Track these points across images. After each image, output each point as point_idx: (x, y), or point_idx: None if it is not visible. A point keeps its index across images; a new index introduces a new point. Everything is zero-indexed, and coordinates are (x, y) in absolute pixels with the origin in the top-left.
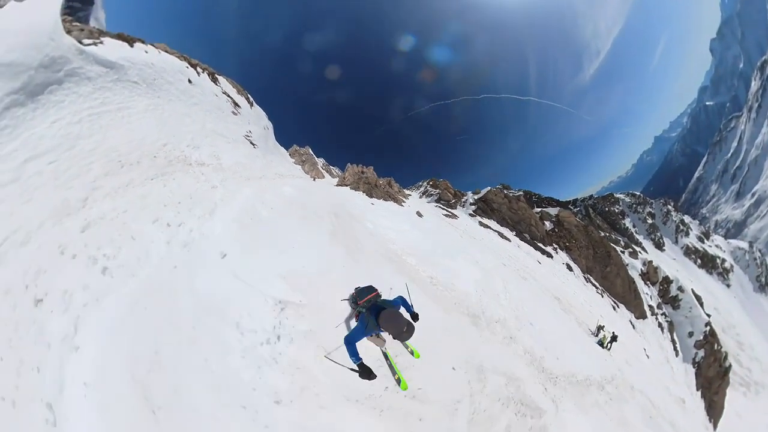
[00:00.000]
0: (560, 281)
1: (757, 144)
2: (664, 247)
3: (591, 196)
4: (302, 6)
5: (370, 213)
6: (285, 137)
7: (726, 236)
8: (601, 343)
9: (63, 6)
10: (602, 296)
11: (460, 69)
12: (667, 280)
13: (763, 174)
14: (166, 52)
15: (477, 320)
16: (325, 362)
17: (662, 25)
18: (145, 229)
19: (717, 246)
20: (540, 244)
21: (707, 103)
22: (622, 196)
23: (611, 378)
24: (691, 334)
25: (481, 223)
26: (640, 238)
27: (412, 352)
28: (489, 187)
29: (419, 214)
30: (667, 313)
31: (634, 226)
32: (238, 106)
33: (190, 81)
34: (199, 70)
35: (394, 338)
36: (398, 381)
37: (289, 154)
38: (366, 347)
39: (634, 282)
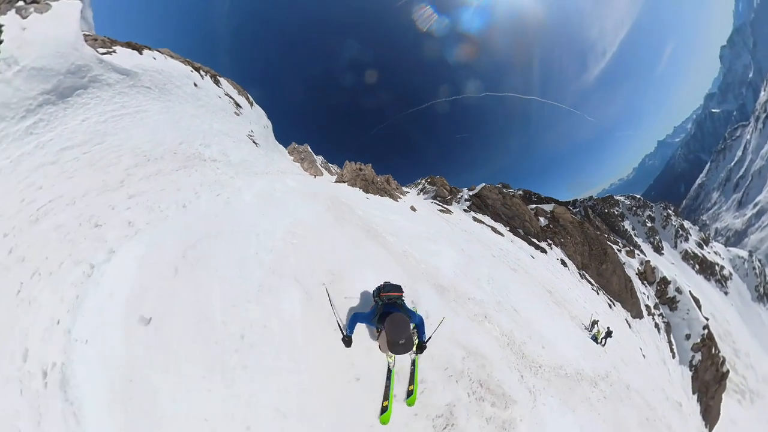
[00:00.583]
0: (554, 276)
1: (762, 154)
2: (662, 251)
3: (590, 198)
4: (302, 6)
5: (363, 204)
6: (283, 135)
7: (726, 244)
8: (595, 339)
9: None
10: (598, 293)
11: (461, 67)
12: (665, 281)
13: (766, 185)
14: (171, 57)
15: (445, 292)
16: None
17: (671, 29)
18: (189, 195)
19: (716, 253)
20: (534, 240)
21: (713, 110)
22: (621, 199)
23: (605, 375)
24: (688, 337)
25: (474, 218)
26: (639, 240)
27: (410, 393)
28: (483, 184)
29: (413, 209)
30: (664, 314)
31: (633, 229)
32: (240, 106)
33: (195, 84)
34: (202, 73)
35: (386, 344)
36: (383, 409)
37: (288, 152)
38: (378, 356)
39: (630, 281)
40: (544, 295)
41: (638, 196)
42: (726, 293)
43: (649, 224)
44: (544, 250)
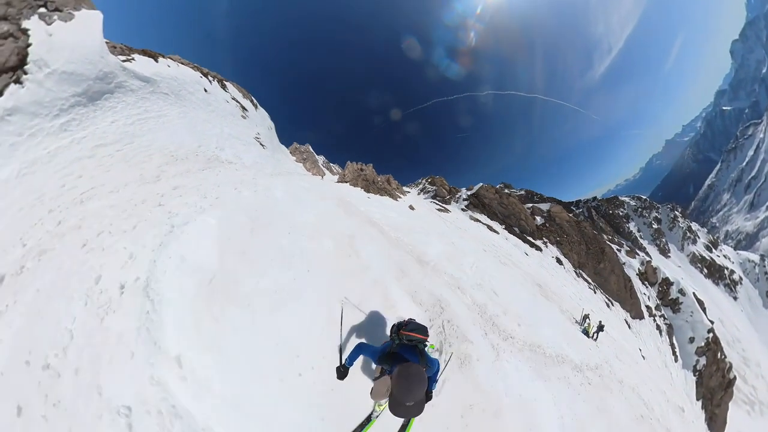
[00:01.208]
0: (547, 272)
1: None
2: (669, 254)
3: (594, 198)
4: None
5: (364, 203)
6: (283, 135)
7: (736, 248)
8: (586, 332)
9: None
10: (595, 292)
11: (462, 66)
12: (667, 282)
13: None
14: (182, 63)
15: (424, 264)
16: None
17: (679, 24)
18: (230, 189)
19: (725, 256)
20: (530, 238)
21: (724, 107)
22: (627, 200)
23: (595, 366)
24: (692, 340)
25: (471, 217)
26: (644, 243)
27: None
28: (481, 184)
29: (411, 207)
30: (666, 316)
31: (638, 231)
32: (245, 110)
33: (205, 90)
34: (210, 78)
35: (387, 397)
36: None
37: (290, 152)
38: (363, 394)
39: (630, 281)
40: (533, 288)
41: (644, 197)
42: (735, 298)
43: (655, 226)
44: (539, 248)
